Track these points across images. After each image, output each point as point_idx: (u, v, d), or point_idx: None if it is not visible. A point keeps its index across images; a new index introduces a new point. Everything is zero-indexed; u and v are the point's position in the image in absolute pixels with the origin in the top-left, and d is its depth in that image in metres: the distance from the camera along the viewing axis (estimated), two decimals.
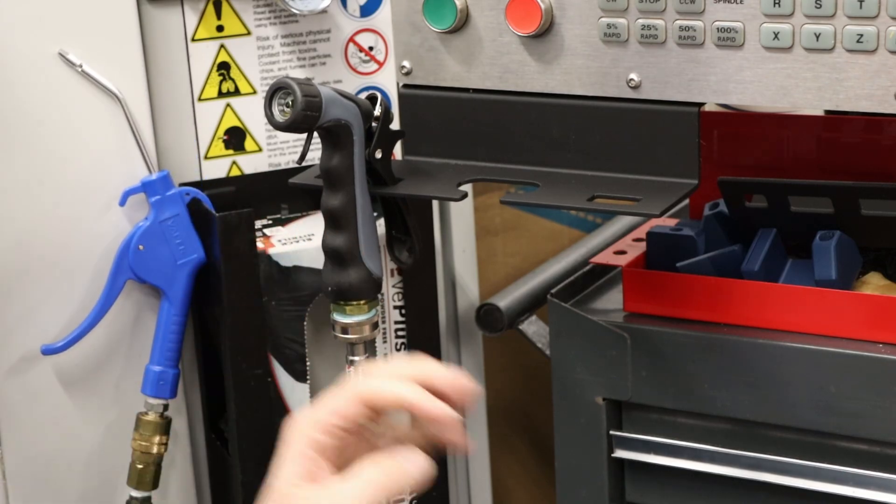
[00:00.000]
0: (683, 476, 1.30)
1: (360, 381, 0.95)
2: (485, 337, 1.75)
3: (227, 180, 1.50)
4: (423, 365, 0.96)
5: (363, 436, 0.98)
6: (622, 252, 1.35)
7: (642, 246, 1.35)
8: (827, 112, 1.38)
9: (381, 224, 1.38)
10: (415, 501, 1.55)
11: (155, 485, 1.47)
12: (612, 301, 1.36)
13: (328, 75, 1.52)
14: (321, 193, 1.27)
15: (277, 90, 1.20)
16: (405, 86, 1.32)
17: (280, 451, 0.94)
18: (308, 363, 1.47)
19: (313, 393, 1.48)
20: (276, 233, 1.47)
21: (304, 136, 1.26)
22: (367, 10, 1.53)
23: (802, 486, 1.23)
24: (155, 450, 1.46)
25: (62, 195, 1.42)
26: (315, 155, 1.29)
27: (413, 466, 0.94)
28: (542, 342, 1.63)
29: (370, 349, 1.32)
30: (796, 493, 1.24)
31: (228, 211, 1.40)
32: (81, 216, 1.43)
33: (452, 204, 1.69)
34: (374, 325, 1.32)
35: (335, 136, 1.23)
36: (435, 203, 1.60)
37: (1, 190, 1.39)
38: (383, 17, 1.53)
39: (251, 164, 1.51)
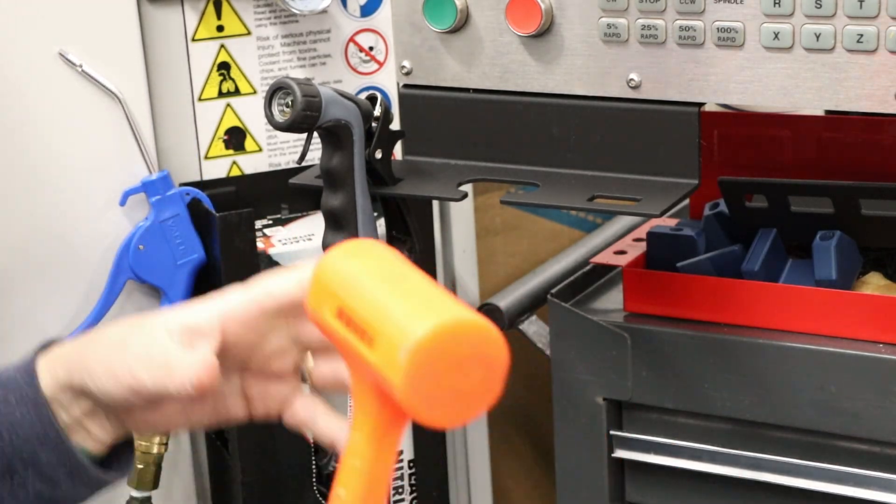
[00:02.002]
0: (683, 476, 1.30)
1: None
2: None
3: (227, 180, 1.50)
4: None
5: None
6: (622, 252, 1.35)
7: (642, 246, 1.35)
8: (827, 112, 1.38)
9: (381, 224, 1.38)
10: (415, 501, 1.55)
11: (155, 485, 1.46)
12: (612, 301, 1.36)
13: (328, 75, 1.52)
14: (321, 193, 1.27)
15: (277, 90, 1.20)
16: (405, 86, 1.32)
17: None
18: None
19: (313, 393, 1.48)
20: (276, 233, 1.47)
21: (304, 136, 1.26)
22: (367, 10, 1.53)
23: (802, 486, 1.23)
24: (155, 450, 1.45)
25: (62, 195, 1.42)
26: (315, 155, 1.29)
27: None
28: (542, 342, 1.63)
29: None
30: (796, 493, 1.24)
31: (228, 211, 1.40)
32: (81, 216, 1.43)
33: (452, 204, 1.69)
34: None
35: (335, 136, 1.23)
36: (435, 203, 1.60)
37: (1, 190, 1.39)
38: (383, 17, 1.53)
39: (251, 164, 1.51)
